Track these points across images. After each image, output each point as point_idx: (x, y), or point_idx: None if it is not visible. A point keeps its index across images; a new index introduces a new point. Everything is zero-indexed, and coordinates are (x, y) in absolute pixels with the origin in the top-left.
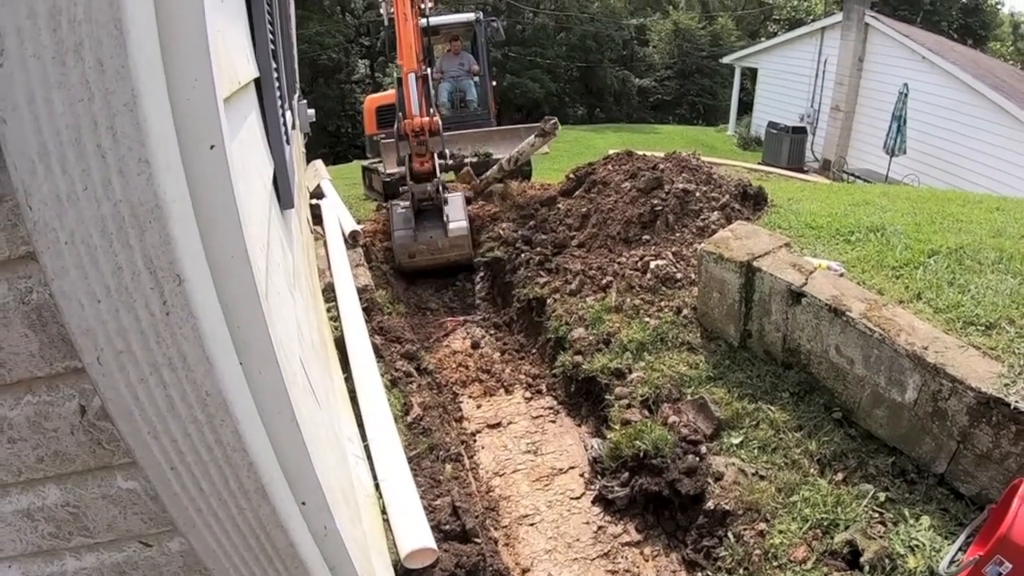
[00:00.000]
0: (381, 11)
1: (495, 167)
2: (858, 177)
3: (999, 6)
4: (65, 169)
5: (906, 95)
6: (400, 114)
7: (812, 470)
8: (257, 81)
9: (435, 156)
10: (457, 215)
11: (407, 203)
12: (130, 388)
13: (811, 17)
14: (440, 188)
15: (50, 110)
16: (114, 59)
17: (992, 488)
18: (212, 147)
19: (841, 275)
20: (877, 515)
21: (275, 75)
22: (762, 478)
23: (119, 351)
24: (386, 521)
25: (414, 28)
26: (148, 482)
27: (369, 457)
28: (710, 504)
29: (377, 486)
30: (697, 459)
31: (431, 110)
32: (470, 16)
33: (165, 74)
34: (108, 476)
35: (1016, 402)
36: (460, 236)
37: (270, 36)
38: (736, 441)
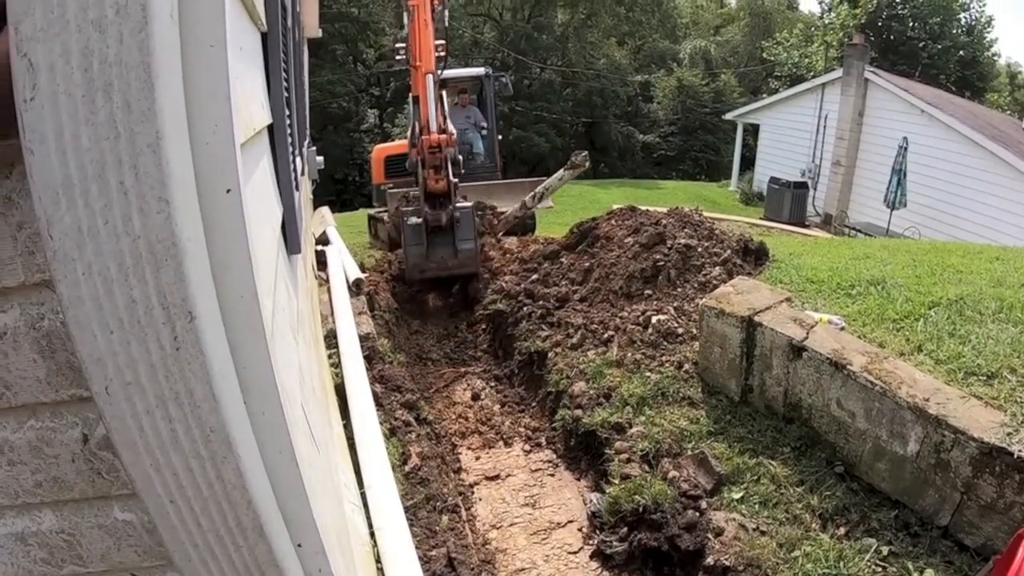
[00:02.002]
0: (398, 58)
1: (518, 204)
2: (859, 231)
3: (995, 57)
4: (88, 203)
5: (906, 148)
6: (416, 122)
7: (814, 525)
8: (270, 127)
9: (450, 175)
10: (466, 234)
11: (419, 219)
12: (136, 419)
13: (811, 73)
14: (453, 208)
15: (77, 145)
16: (141, 101)
17: (997, 539)
18: (228, 191)
19: (842, 329)
20: (880, 569)
21: (287, 122)
22: (763, 533)
23: (128, 382)
24: (380, 570)
25: (433, 35)
26: (145, 515)
27: (366, 505)
28: (710, 560)
29: (373, 535)
30: (697, 514)
31: (446, 123)
32: (479, 71)
33: (187, 118)
34: (105, 506)
35: (1019, 451)
36: (469, 257)
37: (284, 84)
38: (737, 496)
